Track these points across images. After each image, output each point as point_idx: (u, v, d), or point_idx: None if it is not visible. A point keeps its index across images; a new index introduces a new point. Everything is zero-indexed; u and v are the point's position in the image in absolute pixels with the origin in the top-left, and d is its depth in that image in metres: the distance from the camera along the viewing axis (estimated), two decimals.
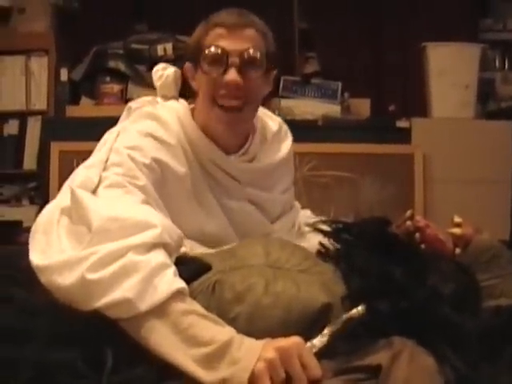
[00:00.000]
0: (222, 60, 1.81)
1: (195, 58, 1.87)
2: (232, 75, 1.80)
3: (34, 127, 4.49)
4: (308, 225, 2.02)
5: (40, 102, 4.48)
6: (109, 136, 1.86)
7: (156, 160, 1.76)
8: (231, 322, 1.43)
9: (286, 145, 2.08)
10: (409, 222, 1.90)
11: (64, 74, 4.43)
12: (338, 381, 1.34)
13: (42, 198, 4.10)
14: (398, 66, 4.66)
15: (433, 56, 4.22)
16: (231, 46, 1.81)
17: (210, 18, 1.88)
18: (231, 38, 1.82)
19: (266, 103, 4.30)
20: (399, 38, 4.65)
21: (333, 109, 4.27)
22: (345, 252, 1.62)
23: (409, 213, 1.92)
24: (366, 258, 1.56)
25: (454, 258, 1.81)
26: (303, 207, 2.26)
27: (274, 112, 3.99)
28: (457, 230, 1.86)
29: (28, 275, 1.49)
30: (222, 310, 1.47)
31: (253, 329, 1.41)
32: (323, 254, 1.68)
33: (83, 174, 1.69)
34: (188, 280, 1.48)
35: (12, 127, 4.54)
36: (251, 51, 1.82)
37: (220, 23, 1.84)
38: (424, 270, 1.55)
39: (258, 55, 1.82)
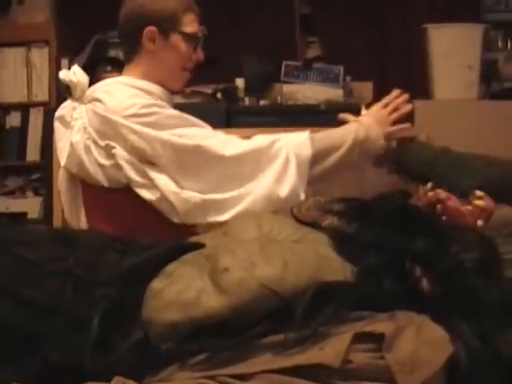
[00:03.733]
0: (195, 40, 2.31)
1: (167, 30, 2.27)
2: (201, 54, 2.35)
3: (36, 118, 4.49)
4: (321, 206, 2.02)
5: (42, 93, 4.49)
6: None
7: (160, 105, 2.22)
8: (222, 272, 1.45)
9: None
10: (430, 194, 1.90)
11: (65, 65, 4.43)
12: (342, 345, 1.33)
13: (45, 189, 4.10)
14: (400, 49, 4.63)
15: (435, 37, 4.19)
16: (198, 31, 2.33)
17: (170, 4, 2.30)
18: (197, 23, 2.33)
19: (266, 88, 4.31)
20: (401, 20, 4.62)
21: (335, 93, 4.25)
22: (358, 231, 1.61)
23: (429, 185, 1.93)
24: (381, 234, 1.55)
25: (476, 230, 1.81)
26: (306, 192, 2.25)
27: (276, 97, 3.97)
28: (480, 202, 1.87)
29: None
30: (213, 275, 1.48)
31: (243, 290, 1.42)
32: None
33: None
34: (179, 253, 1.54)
35: (14, 119, 4.54)
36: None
37: (192, 9, 2.33)
38: (446, 240, 1.55)
39: None
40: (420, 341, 1.35)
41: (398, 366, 1.31)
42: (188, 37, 2.29)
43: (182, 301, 1.45)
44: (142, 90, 2.25)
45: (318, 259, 1.49)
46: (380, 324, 1.37)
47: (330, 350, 1.33)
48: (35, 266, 1.53)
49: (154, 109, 2.17)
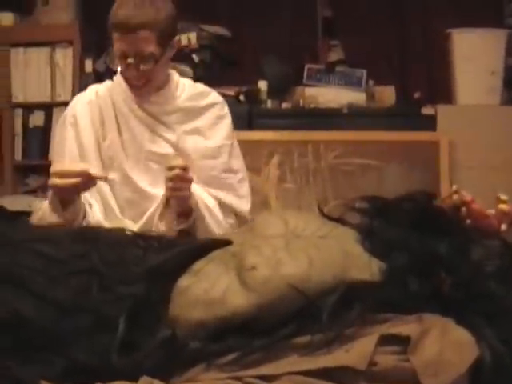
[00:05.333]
0: (122, 59, 2.24)
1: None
2: (131, 73, 2.26)
3: (59, 118, 4.49)
4: (345, 204, 2.03)
5: (65, 93, 4.50)
6: None
7: None
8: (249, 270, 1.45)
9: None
10: (455, 196, 1.90)
11: (89, 65, 4.46)
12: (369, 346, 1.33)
13: None
14: (422, 53, 4.62)
15: (458, 42, 4.18)
16: (127, 49, 2.22)
17: (111, 15, 2.24)
18: (127, 41, 2.21)
19: (289, 91, 4.32)
20: (423, 25, 4.60)
21: (358, 96, 4.25)
22: (382, 228, 1.61)
23: (455, 187, 1.93)
24: (405, 234, 1.55)
25: (499, 235, 1.81)
26: (328, 195, 2.28)
27: (298, 100, 3.99)
28: (504, 206, 1.87)
29: None
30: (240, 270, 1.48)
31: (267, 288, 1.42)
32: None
33: None
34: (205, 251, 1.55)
35: (38, 119, 4.56)
36: (144, 51, 2.22)
37: (116, 25, 2.22)
38: (469, 245, 1.55)
39: (150, 52, 2.22)
40: (445, 343, 1.34)
41: (423, 369, 1.31)
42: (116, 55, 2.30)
43: (208, 299, 1.45)
44: None
45: (343, 255, 1.49)
46: (406, 326, 1.37)
47: (356, 352, 1.33)
48: (59, 263, 1.53)
49: None
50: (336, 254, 1.50)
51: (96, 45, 4.47)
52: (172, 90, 2.41)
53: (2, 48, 4.54)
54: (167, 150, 2.36)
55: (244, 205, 2.44)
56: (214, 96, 2.50)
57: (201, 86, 2.51)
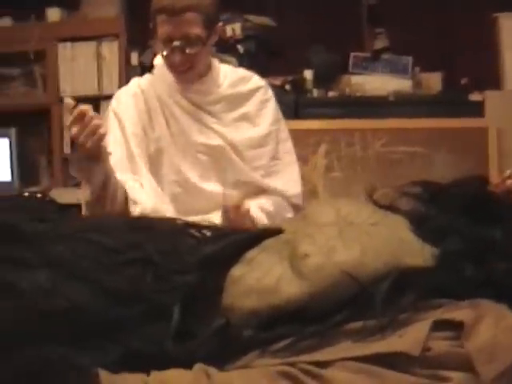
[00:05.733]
0: (167, 43, 2.23)
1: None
2: (177, 58, 2.26)
3: (106, 111, 4.54)
4: (396, 189, 2.02)
5: (112, 86, 4.54)
6: None
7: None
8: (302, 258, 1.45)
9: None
10: (509, 181, 1.87)
11: (134, 58, 4.49)
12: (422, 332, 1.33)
13: None
14: (469, 38, 4.57)
15: (505, 27, 4.13)
16: (173, 32, 2.21)
17: (154, 1, 2.26)
18: (173, 23, 2.21)
19: (334, 80, 4.30)
20: (470, 9, 4.55)
21: (404, 84, 4.23)
22: (435, 214, 1.60)
23: (508, 172, 1.90)
24: (458, 219, 1.54)
25: None
26: (375, 184, 2.27)
27: (344, 89, 3.98)
28: None
29: None
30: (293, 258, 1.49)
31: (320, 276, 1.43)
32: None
33: None
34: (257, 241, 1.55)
35: None
36: (190, 33, 2.22)
37: (162, 9, 2.22)
38: None
39: (196, 34, 2.23)
40: (500, 329, 1.33)
41: (478, 354, 1.30)
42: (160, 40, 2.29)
43: (261, 287, 1.46)
44: None
45: (396, 242, 1.48)
46: (459, 312, 1.36)
47: (410, 337, 1.33)
48: (113, 253, 1.55)
49: None
50: (388, 240, 1.49)
51: (141, 38, 4.49)
52: (214, 77, 2.41)
53: (49, 43, 4.60)
54: (216, 141, 2.36)
55: (293, 189, 2.43)
56: (256, 80, 2.50)
57: (242, 71, 2.52)
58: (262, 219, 2.28)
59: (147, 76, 2.48)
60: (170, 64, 2.32)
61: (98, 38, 4.58)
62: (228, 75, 2.45)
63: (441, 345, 1.33)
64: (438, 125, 4.02)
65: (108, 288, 1.50)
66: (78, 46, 4.60)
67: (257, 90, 2.46)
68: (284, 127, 2.50)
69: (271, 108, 2.46)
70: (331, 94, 4.25)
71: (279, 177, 2.42)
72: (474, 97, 4.10)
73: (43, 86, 4.74)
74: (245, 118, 2.41)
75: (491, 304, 1.39)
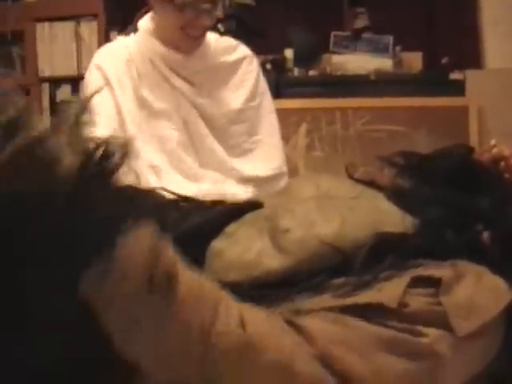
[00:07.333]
0: (197, 5, 2.16)
1: None
2: (206, 21, 2.20)
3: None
4: (383, 159, 2.02)
5: None
6: None
7: None
8: (283, 233, 1.45)
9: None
10: (494, 150, 1.88)
11: (114, 38, 4.44)
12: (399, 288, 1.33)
13: None
14: (449, 18, 4.57)
15: (486, 5, 4.13)
16: None
17: None
18: None
19: (315, 59, 4.29)
20: None
21: (385, 63, 4.23)
22: (417, 186, 1.60)
23: (493, 141, 1.91)
24: (441, 189, 1.54)
25: None
26: (357, 162, 2.27)
27: (325, 68, 3.95)
28: None
29: None
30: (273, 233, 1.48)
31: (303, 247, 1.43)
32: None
33: None
34: (238, 215, 1.55)
35: (64, 92, 4.58)
36: None
37: None
38: (509, 198, 1.54)
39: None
40: (479, 288, 1.34)
41: (453, 310, 1.31)
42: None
43: (242, 262, 1.45)
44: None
45: (376, 214, 1.49)
46: (439, 269, 1.36)
47: (388, 291, 1.33)
48: None
49: None
50: (368, 212, 1.50)
51: (121, 17, 4.46)
52: (206, 46, 2.36)
53: (27, 24, 4.55)
54: (193, 116, 2.32)
55: (275, 160, 2.41)
56: (242, 49, 2.45)
57: (227, 40, 2.47)
58: None
59: (134, 38, 2.38)
60: (191, 28, 2.22)
61: (76, 17, 4.54)
62: (213, 43, 2.39)
63: (419, 301, 1.33)
64: (419, 104, 4.02)
65: None
66: (56, 26, 4.55)
67: (243, 59, 2.42)
68: (268, 97, 2.46)
69: (252, 80, 2.41)
70: (312, 73, 4.24)
71: (256, 154, 2.38)
72: (455, 76, 4.11)
73: (21, 68, 4.69)
74: (228, 89, 2.37)
75: (472, 265, 1.40)
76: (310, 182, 1.67)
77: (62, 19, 4.56)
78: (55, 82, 4.57)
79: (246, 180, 2.34)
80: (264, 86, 2.46)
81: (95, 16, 4.51)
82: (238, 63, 2.40)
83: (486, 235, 1.46)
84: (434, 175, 1.61)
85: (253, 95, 2.41)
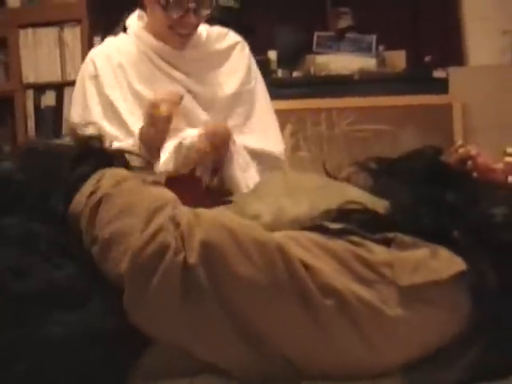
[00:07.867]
0: (182, 5, 2.22)
1: None
2: (193, 20, 2.25)
3: (70, 97, 4.51)
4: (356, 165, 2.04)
5: (75, 72, 4.45)
6: None
7: None
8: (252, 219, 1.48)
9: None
10: (461, 150, 1.90)
11: (97, 43, 4.44)
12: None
13: None
14: (432, 16, 4.59)
15: (468, 3, 4.15)
16: None
17: None
18: None
19: (299, 60, 4.29)
20: None
21: (368, 62, 4.24)
22: (389, 186, 1.62)
23: (459, 142, 1.94)
24: (411, 189, 1.56)
25: (507, 186, 1.82)
26: (343, 162, 2.28)
27: (309, 69, 3.95)
28: (510, 159, 1.87)
29: None
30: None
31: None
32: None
33: None
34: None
35: (49, 98, 4.57)
36: None
37: None
38: (476, 195, 1.55)
39: None
40: (434, 256, 1.37)
41: (400, 262, 1.34)
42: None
43: None
44: None
45: (346, 198, 1.51)
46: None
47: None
48: None
49: None
50: (337, 196, 1.52)
51: (104, 22, 4.46)
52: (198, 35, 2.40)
53: (10, 30, 4.54)
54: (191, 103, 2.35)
55: (273, 146, 2.43)
56: (232, 36, 2.49)
57: (216, 28, 2.50)
58: (244, 156, 2.29)
59: (123, 38, 2.43)
60: (179, 27, 2.28)
61: (59, 23, 4.53)
62: (205, 33, 2.43)
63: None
64: (403, 102, 4.04)
65: None
66: (39, 32, 4.54)
67: (235, 44, 2.46)
68: (261, 82, 2.50)
69: (245, 66, 2.45)
70: (296, 74, 4.25)
71: (257, 136, 2.40)
72: (438, 74, 4.13)
73: (5, 74, 4.68)
74: (223, 74, 2.40)
75: (435, 245, 1.41)
76: (277, 178, 1.70)
77: (46, 25, 4.54)
78: (39, 89, 4.56)
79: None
80: (256, 70, 2.51)
81: (79, 21, 4.50)
82: (230, 49, 2.45)
83: (455, 229, 1.47)
84: (403, 176, 1.63)
85: (248, 78, 2.45)
